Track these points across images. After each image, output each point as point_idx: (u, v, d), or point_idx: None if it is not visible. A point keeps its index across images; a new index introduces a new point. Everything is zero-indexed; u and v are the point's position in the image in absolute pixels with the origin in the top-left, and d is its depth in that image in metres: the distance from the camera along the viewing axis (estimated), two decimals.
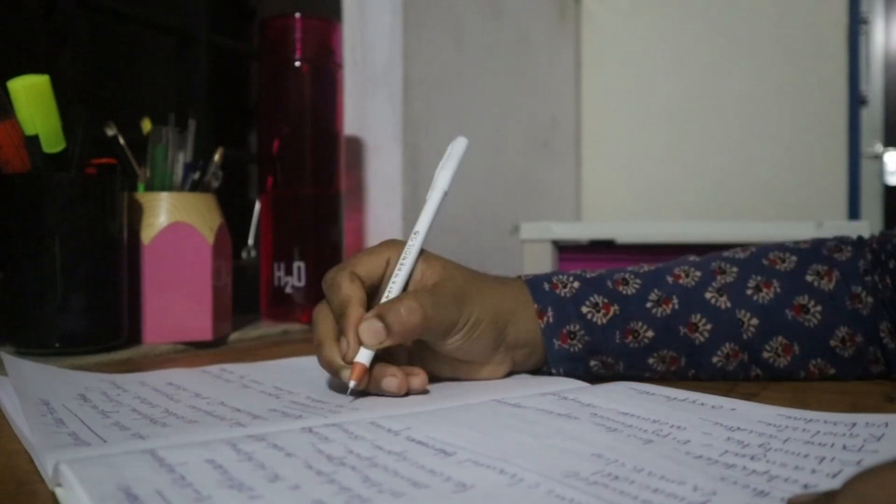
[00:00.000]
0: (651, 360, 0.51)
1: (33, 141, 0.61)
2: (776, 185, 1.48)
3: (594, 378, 0.50)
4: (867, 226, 0.92)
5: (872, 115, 2.06)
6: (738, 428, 0.36)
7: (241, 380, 0.50)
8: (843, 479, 0.28)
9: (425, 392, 0.45)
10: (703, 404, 0.41)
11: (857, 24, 1.43)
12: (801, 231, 0.65)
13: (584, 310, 0.50)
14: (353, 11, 1.12)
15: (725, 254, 0.55)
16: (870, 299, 0.51)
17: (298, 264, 0.87)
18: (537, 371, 0.52)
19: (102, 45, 0.96)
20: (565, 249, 1.12)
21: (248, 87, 1.22)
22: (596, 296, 0.51)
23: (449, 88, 1.20)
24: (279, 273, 0.87)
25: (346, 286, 0.45)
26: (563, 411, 0.40)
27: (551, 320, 0.50)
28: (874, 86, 2.09)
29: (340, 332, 0.45)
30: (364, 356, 0.44)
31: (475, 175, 1.25)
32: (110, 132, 0.70)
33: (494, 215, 1.30)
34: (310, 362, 0.56)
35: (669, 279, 0.52)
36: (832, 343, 0.51)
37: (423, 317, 0.44)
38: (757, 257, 0.53)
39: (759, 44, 1.49)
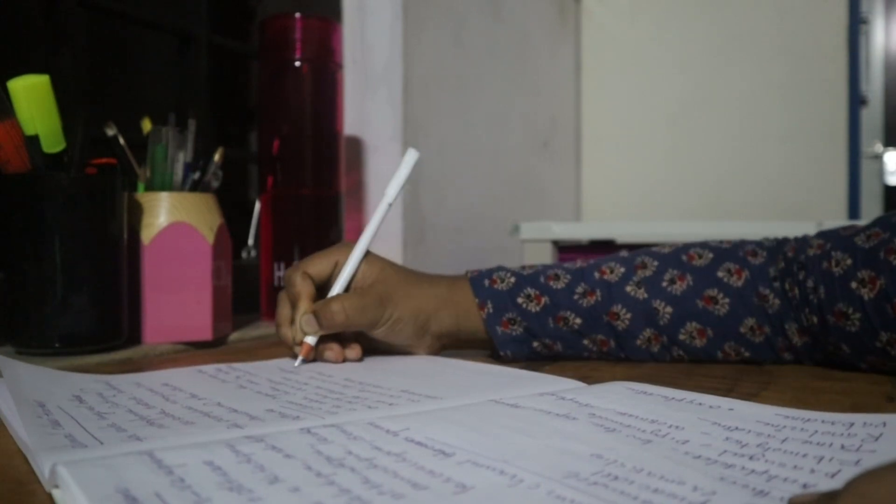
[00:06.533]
0: (586, 342, 0.59)
1: (33, 141, 0.61)
2: (776, 185, 1.48)
3: (541, 358, 0.60)
4: None
5: (872, 115, 2.06)
6: (737, 428, 0.36)
7: (238, 380, 0.50)
8: (841, 478, 0.28)
9: (360, 360, 0.58)
10: (700, 404, 0.41)
11: (857, 24, 1.43)
12: (801, 231, 0.65)
13: (520, 300, 0.59)
14: (353, 11, 1.12)
15: (654, 249, 0.60)
16: (777, 301, 0.55)
17: None
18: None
19: (102, 45, 0.96)
20: (565, 249, 1.12)
21: (248, 87, 1.22)
22: (529, 289, 0.59)
23: (449, 88, 1.20)
24: (279, 273, 0.87)
25: (298, 283, 0.57)
26: (562, 411, 0.40)
27: (491, 311, 0.59)
28: (874, 86, 2.09)
29: (293, 319, 0.57)
30: (310, 338, 0.56)
31: (475, 175, 1.25)
32: (110, 132, 0.70)
33: (494, 215, 1.30)
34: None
35: (596, 275, 0.59)
36: (742, 330, 0.56)
37: (344, 317, 0.55)
38: (677, 253, 0.59)
39: (759, 44, 1.49)
